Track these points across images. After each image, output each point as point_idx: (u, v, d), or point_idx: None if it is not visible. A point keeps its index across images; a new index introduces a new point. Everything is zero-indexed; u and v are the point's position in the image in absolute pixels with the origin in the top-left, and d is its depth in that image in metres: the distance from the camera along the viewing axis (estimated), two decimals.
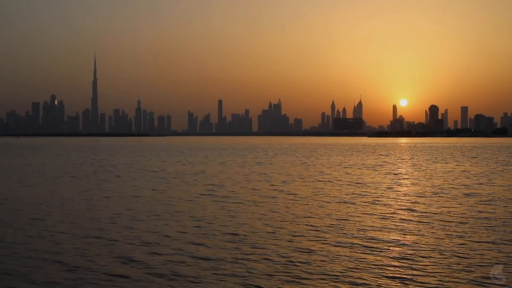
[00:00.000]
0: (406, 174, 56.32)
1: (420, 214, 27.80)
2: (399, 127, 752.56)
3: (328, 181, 47.86)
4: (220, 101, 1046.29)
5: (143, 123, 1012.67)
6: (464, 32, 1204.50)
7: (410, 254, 18.78)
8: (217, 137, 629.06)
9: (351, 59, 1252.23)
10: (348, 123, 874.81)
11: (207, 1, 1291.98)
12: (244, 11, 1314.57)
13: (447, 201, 32.98)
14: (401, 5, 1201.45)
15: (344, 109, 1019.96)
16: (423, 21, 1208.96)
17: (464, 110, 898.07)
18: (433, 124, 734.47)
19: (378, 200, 33.47)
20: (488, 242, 20.58)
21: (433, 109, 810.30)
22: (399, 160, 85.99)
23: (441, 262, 17.73)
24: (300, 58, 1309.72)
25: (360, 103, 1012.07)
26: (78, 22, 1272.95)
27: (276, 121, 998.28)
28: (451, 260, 17.97)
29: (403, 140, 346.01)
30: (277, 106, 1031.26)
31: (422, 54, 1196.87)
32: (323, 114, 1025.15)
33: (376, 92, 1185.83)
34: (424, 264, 17.50)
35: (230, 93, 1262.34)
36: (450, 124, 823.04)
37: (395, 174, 55.38)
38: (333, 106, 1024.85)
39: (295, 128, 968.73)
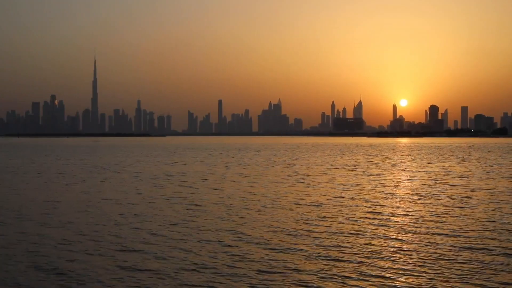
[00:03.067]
0: (387, 175, 55.32)
1: (386, 216, 26.85)
2: (399, 127, 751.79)
3: (304, 181, 46.97)
4: (220, 101, 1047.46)
5: (143, 123, 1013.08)
6: (464, 32, 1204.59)
7: (374, 258, 17.85)
8: (217, 137, 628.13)
9: (351, 59, 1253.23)
10: (348, 123, 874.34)
11: (207, 1, 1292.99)
12: (244, 11, 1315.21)
13: (417, 203, 32.02)
14: (401, 5, 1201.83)
15: (344, 109, 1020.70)
16: (423, 21, 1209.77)
17: (464, 110, 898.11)
18: (433, 124, 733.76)
19: (346, 202, 32.48)
20: (456, 245, 19.65)
21: (433, 109, 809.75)
22: (386, 161, 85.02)
23: (411, 268, 16.80)
24: (300, 58, 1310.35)
25: (360, 103, 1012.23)
26: (78, 22, 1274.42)
27: (276, 121, 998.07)
28: (419, 267, 17.03)
29: (403, 140, 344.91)
30: (277, 106, 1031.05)
31: (422, 54, 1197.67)
32: (323, 114, 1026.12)
33: (376, 92, 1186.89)
34: (388, 268, 16.55)
35: (230, 93, 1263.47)
36: (450, 124, 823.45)
37: (372, 175, 54.38)
38: (333, 106, 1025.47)
39: (295, 128, 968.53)
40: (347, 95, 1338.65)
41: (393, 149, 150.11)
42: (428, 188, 40.62)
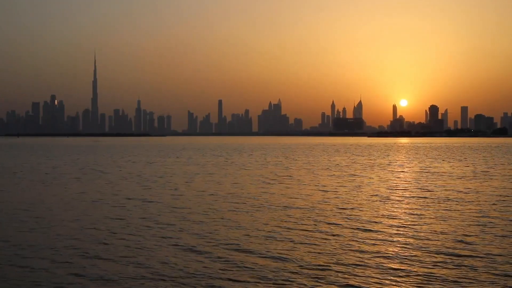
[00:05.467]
0: (374, 176, 54.85)
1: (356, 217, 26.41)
2: (399, 127, 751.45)
3: (287, 182, 46.50)
4: (220, 101, 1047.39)
5: (143, 123, 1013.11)
6: (464, 32, 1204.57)
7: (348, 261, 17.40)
8: (217, 137, 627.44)
9: (351, 59, 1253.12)
10: (348, 123, 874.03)
11: (207, 1, 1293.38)
12: (244, 11, 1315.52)
13: (399, 204, 31.58)
14: (401, 6, 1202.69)
15: (344, 109, 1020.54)
16: (423, 21, 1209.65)
17: (464, 110, 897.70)
18: (433, 124, 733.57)
19: (327, 204, 32.01)
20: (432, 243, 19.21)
21: (433, 109, 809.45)
22: (380, 161, 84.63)
23: (387, 270, 16.36)
24: (301, 58, 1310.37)
25: (360, 103, 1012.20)
26: (78, 22, 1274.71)
27: (276, 121, 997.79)
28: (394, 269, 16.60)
29: (403, 140, 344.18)
30: (277, 106, 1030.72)
31: (422, 54, 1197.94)
32: (323, 114, 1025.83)
33: (376, 92, 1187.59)
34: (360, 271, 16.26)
35: (230, 93, 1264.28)
36: (450, 124, 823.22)
37: (357, 175, 54.04)
38: (333, 106, 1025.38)
39: (295, 128, 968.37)
40: (347, 95, 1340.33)
41: (390, 150, 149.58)
42: (414, 189, 40.13)
